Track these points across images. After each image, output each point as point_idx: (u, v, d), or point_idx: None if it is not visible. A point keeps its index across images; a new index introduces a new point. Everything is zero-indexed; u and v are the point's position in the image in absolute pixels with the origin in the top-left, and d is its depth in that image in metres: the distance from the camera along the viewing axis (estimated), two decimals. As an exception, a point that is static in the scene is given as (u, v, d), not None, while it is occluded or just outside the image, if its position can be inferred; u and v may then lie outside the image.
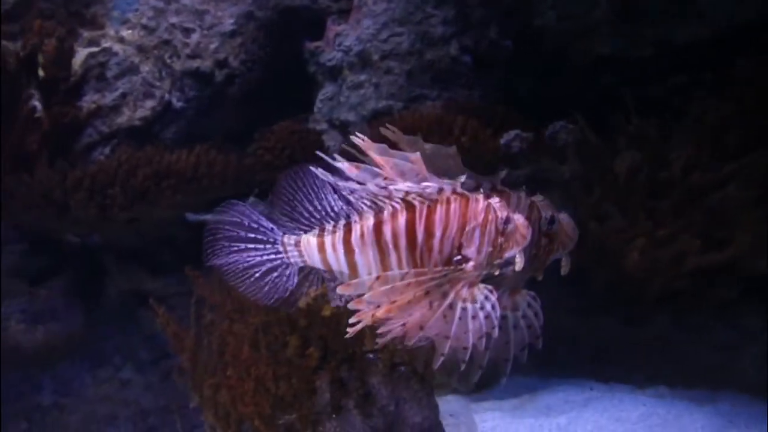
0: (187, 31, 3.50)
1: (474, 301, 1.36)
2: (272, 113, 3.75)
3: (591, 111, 3.71)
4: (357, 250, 1.44)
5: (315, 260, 1.48)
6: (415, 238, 1.40)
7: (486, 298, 1.37)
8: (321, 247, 1.46)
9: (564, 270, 1.45)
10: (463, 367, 1.37)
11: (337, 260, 1.46)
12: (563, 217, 1.42)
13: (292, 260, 1.51)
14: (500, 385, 3.42)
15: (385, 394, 2.06)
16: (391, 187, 1.36)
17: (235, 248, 1.55)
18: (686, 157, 3.49)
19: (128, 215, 2.71)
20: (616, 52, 4.06)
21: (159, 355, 3.13)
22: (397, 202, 1.39)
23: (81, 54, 3.53)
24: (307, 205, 1.50)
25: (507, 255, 1.41)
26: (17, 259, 3.21)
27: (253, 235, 1.54)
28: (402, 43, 3.42)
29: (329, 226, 1.47)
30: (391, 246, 1.41)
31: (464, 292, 1.37)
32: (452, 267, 1.37)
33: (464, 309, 1.36)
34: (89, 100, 3.44)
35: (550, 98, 4.02)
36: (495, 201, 1.42)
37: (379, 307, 1.33)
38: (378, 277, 1.37)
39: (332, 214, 1.48)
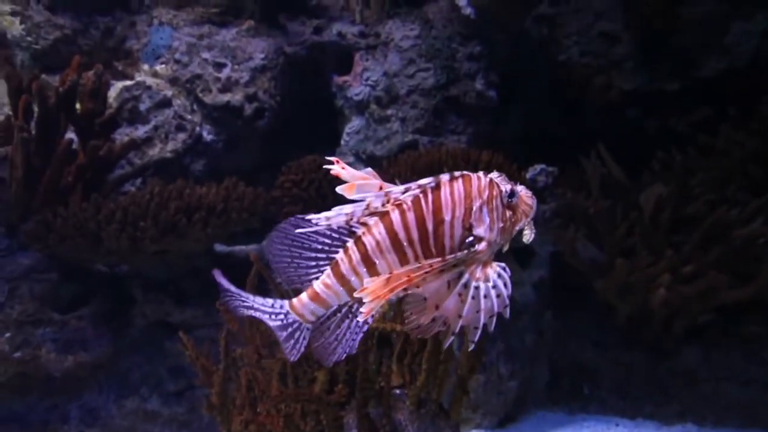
0: (219, 66, 3.59)
1: (487, 280, 1.35)
2: (300, 146, 3.82)
3: (616, 145, 3.73)
4: (377, 261, 1.38)
5: (341, 298, 1.44)
6: (425, 228, 1.36)
7: (499, 276, 1.35)
8: (342, 281, 1.41)
9: (527, 238, 1.41)
10: (472, 346, 1.36)
11: (362, 283, 1.39)
12: (520, 189, 1.40)
13: (310, 317, 1.47)
14: (525, 420, 3.40)
15: (411, 431, 2.06)
16: (389, 191, 1.33)
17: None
18: (712, 192, 3.49)
19: (158, 247, 2.77)
20: (640, 86, 4.08)
21: (185, 386, 3.15)
22: (399, 200, 1.35)
23: (116, 87, 3.64)
24: (306, 253, 1.46)
25: (517, 228, 1.40)
26: (49, 287, 3.27)
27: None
28: (428, 79, 3.48)
29: (338, 256, 1.41)
30: (405, 243, 1.37)
31: (478, 272, 1.35)
32: (466, 252, 1.34)
33: (477, 288, 1.34)
34: (123, 133, 3.53)
35: (576, 132, 4.04)
36: (495, 176, 1.40)
37: (393, 290, 1.31)
38: (391, 275, 1.33)
39: (335, 246, 1.44)
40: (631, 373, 3.60)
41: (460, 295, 1.34)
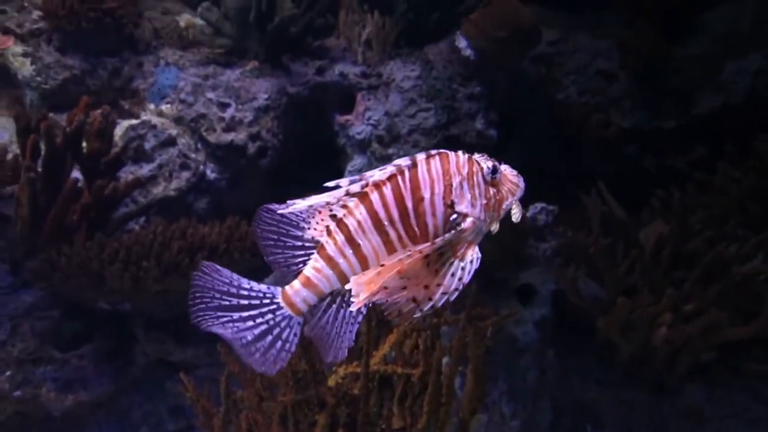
0: (223, 106, 3.66)
1: (462, 260, 1.34)
2: (303, 184, 3.85)
3: (614, 182, 3.76)
4: (361, 242, 1.36)
5: (332, 282, 1.40)
6: (405, 206, 1.35)
7: (471, 261, 1.34)
8: (330, 263, 1.38)
9: (516, 216, 1.42)
10: (417, 314, 1.34)
11: (350, 265, 1.38)
12: (505, 167, 1.40)
13: (302, 307, 1.42)
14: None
15: (412, 474, 2.05)
16: (366, 175, 1.34)
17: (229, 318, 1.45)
18: (711, 228, 3.51)
19: (161, 287, 2.78)
20: (637, 124, 4.14)
21: (185, 426, 3.14)
22: (377, 181, 1.34)
23: (122, 126, 3.70)
24: (291, 239, 1.42)
25: (504, 207, 1.39)
26: (50, 325, 3.28)
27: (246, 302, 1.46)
28: (429, 118, 3.53)
29: (323, 239, 1.39)
30: (386, 223, 1.35)
31: (461, 251, 1.35)
32: (453, 232, 1.33)
33: (451, 264, 1.33)
34: (128, 171, 3.57)
35: (574, 170, 4.09)
36: (478, 156, 1.40)
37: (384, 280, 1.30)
38: (382, 266, 1.31)
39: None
40: (634, 412, 3.57)
41: (432, 267, 1.33)
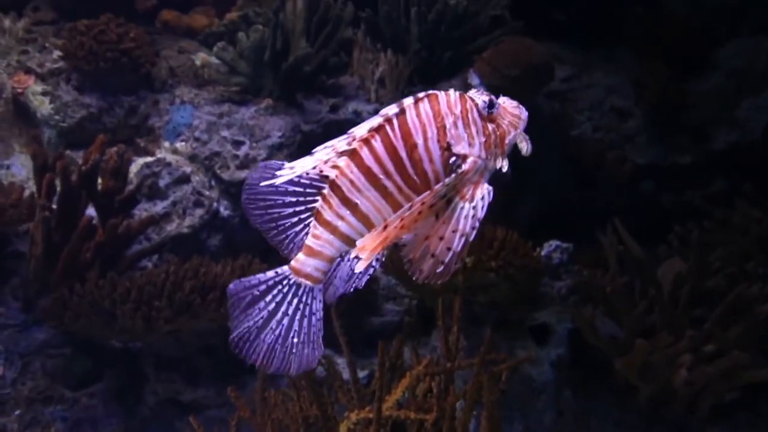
0: (237, 144, 3.68)
1: (471, 201, 1.27)
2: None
3: (631, 219, 3.72)
4: (358, 201, 1.29)
5: (336, 246, 1.32)
6: (399, 156, 1.27)
7: (482, 197, 1.27)
8: (329, 228, 1.31)
9: (525, 150, 1.35)
10: (441, 269, 1.26)
11: (351, 226, 1.31)
12: (503, 100, 1.32)
13: (316, 275, 1.36)
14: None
15: None
16: (353, 132, 1.27)
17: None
18: (731, 267, 3.44)
19: (172, 327, 2.77)
20: (653, 160, 4.11)
21: (195, 468, 3.09)
22: (364, 136, 1.27)
23: (137, 163, 3.73)
24: (284, 208, 1.36)
25: (508, 141, 1.32)
26: (61, 363, 3.26)
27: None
28: (442, 156, 3.52)
29: (318, 204, 1.32)
30: (382, 176, 1.27)
31: (468, 194, 1.27)
32: (453, 176, 1.26)
33: (462, 208, 1.26)
34: (142, 208, 3.59)
35: (590, 206, 4.05)
36: (473, 92, 1.32)
37: (388, 238, 1.23)
38: (386, 225, 1.24)
39: (311, 194, 1.34)
40: (655, 456, 3.47)
41: (442, 216, 1.26)
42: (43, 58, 4.13)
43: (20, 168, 3.96)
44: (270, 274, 1.39)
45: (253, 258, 3.25)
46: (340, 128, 3.84)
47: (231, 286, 1.40)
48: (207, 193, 3.67)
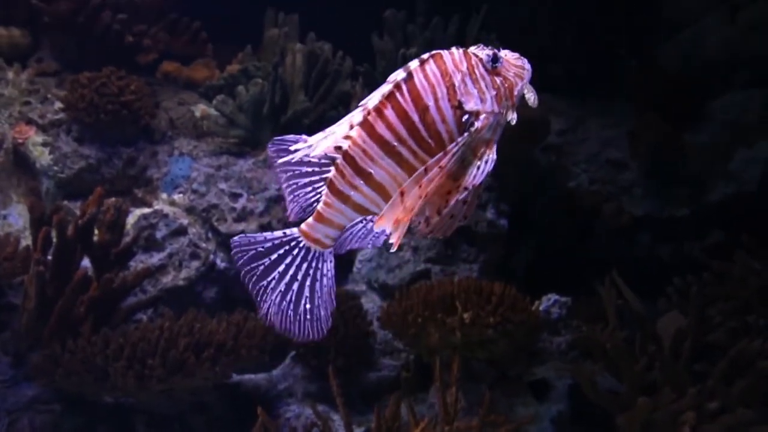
0: (235, 196, 3.69)
1: (480, 158, 1.27)
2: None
3: (629, 271, 3.70)
4: (372, 170, 1.29)
5: (347, 215, 1.33)
6: (411, 121, 1.26)
7: (486, 161, 1.28)
8: (341, 197, 1.32)
9: (533, 101, 1.33)
10: (443, 224, 1.28)
11: (365, 196, 1.31)
12: (505, 53, 1.30)
13: (326, 241, 1.36)
14: None
15: None
16: (364, 102, 1.28)
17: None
18: (732, 320, 3.41)
19: (165, 386, 2.72)
20: (650, 212, 4.12)
21: None
22: (376, 105, 1.27)
23: (135, 214, 3.73)
24: (302, 178, 1.38)
25: (516, 93, 1.29)
26: (50, 419, 3.18)
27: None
28: (439, 209, 3.53)
29: (331, 174, 1.32)
30: (396, 143, 1.27)
31: (480, 149, 1.28)
32: (467, 134, 1.25)
33: (474, 166, 1.27)
34: (138, 260, 3.57)
35: (588, 258, 4.04)
36: (472, 47, 1.31)
37: (411, 207, 1.22)
38: (402, 192, 1.24)
39: (325, 165, 1.35)
40: None
41: (458, 179, 1.26)
42: (45, 110, 4.17)
43: (17, 218, 3.95)
44: (278, 233, 1.40)
45: (249, 312, 3.21)
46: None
47: (235, 238, 1.43)
48: (203, 245, 3.65)
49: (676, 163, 4.16)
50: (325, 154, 1.33)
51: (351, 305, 3.26)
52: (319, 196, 1.37)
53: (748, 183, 4.13)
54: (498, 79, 1.29)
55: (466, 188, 1.26)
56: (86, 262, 3.23)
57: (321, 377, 3.16)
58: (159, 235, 3.64)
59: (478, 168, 1.27)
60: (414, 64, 1.28)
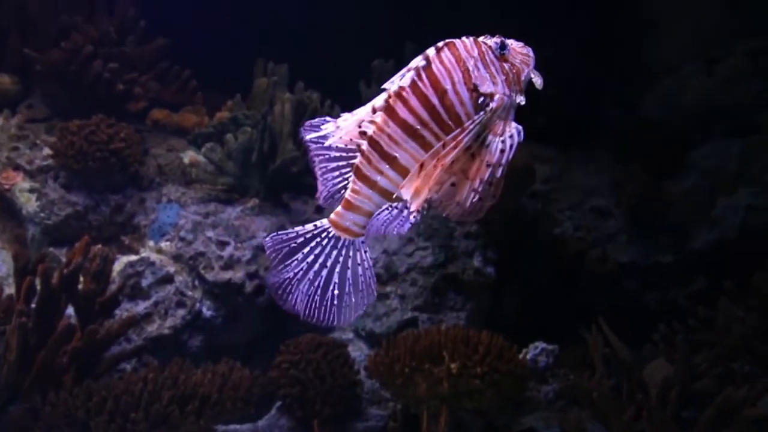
0: (222, 244, 3.69)
1: (501, 135, 1.33)
2: (300, 320, 3.81)
3: (616, 317, 3.72)
4: (397, 154, 1.35)
5: (375, 201, 1.37)
6: (431, 104, 1.34)
7: (511, 135, 1.33)
8: (368, 183, 1.37)
9: (539, 84, 1.40)
10: (477, 201, 1.32)
11: (391, 180, 1.36)
12: (511, 41, 1.39)
13: (355, 229, 1.40)
14: None
15: None
16: (386, 88, 1.35)
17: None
18: (718, 367, 3.42)
19: (149, 439, 2.67)
20: (635, 259, 4.17)
21: None
22: (397, 91, 1.35)
23: (121, 262, 3.71)
24: (330, 163, 1.42)
25: (523, 78, 1.38)
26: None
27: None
28: (426, 257, 3.56)
29: (357, 160, 1.38)
30: (419, 126, 1.34)
31: (499, 129, 1.34)
32: (482, 113, 1.33)
33: (495, 142, 1.33)
34: (124, 308, 3.53)
35: (575, 305, 4.06)
36: (481, 37, 1.39)
37: (430, 177, 1.29)
38: (421, 165, 1.31)
39: (351, 151, 1.41)
40: None
41: (476, 155, 1.33)
42: (33, 155, 4.18)
43: (1, 264, 3.92)
44: (309, 227, 1.43)
45: (235, 362, 3.18)
46: (325, 228, 3.89)
47: (267, 238, 1.46)
48: (190, 293, 3.64)
49: (659, 211, 4.23)
50: (351, 140, 1.39)
51: (338, 353, 3.24)
52: (346, 182, 1.42)
53: (729, 230, 4.20)
54: (506, 65, 1.39)
55: (491, 165, 1.34)
56: (70, 310, 3.20)
57: (307, 428, 3.12)
58: (145, 283, 3.62)
59: (503, 143, 1.34)
60: (431, 51, 1.37)
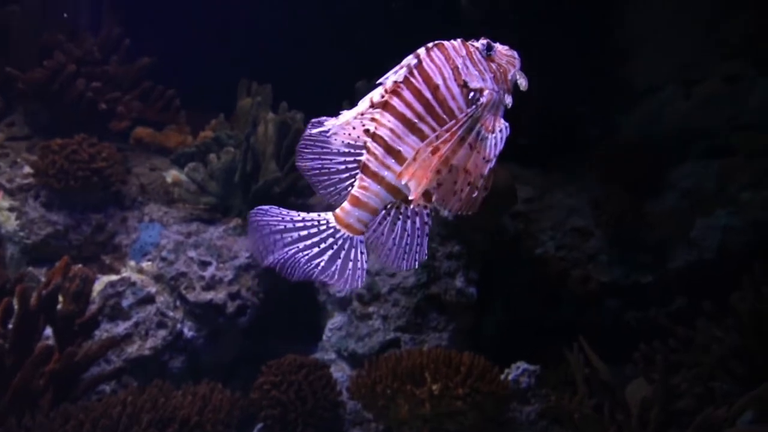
0: (204, 264, 3.67)
1: (493, 131, 1.42)
2: (282, 339, 3.80)
3: (597, 336, 3.74)
4: (401, 148, 1.42)
5: (382, 197, 1.43)
6: (425, 98, 1.42)
7: (501, 130, 1.42)
8: (376, 178, 1.42)
9: (524, 85, 1.49)
10: (475, 194, 1.40)
11: (396, 173, 1.42)
12: (496, 44, 1.49)
13: (358, 226, 1.44)
14: None
15: None
16: (381, 83, 1.42)
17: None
18: (697, 386, 3.45)
19: (127, 464, 2.63)
20: (616, 278, 4.20)
21: None
22: (392, 87, 1.42)
23: (101, 282, 3.67)
24: (335, 158, 1.47)
25: (510, 77, 1.47)
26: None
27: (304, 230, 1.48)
28: (409, 277, 3.57)
29: (364, 157, 1.44)
30: (416, 120, 1.42)
31: (490, 124, 1.42)
32: (474, 107, 1.42)
33: (486, 138, 1.41)
34: (104, 329, 3.50)
35: (557, 324, 4.08)
36: (471, 42, 1.49)
37: (427, 165, 1.36)
38: (417, 152, 1.38)
39: (358, 148, 1.47)
40: None
41: (473, 146, 1.41)
42: (14, 174, 4.14)
43: (-21, 284, 3.86)
44: (313, 215, 1.48)
45: (216, 383, 3.15)
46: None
47: (258, 208, 1.50)
48: (171, 314, 3.61)
49: (639, 231, 4.28)
50: (357, 138, 1.46)
51: (320, 375, 3.23)
52: (350, 180, 1.47)
53: (707, 250, 4.26)
54: (493, 65, 1.48)
55: (484, 159, 1.42)
56: (49, 331, 3.16)
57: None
58: (125, 303, 3.59)
59: (495, 138, 1.43)
60: (421, 51, 1.45)
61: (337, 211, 1.46)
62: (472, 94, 1.44)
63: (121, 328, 3.54)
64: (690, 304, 4.10)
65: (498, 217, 3.90)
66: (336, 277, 1.48)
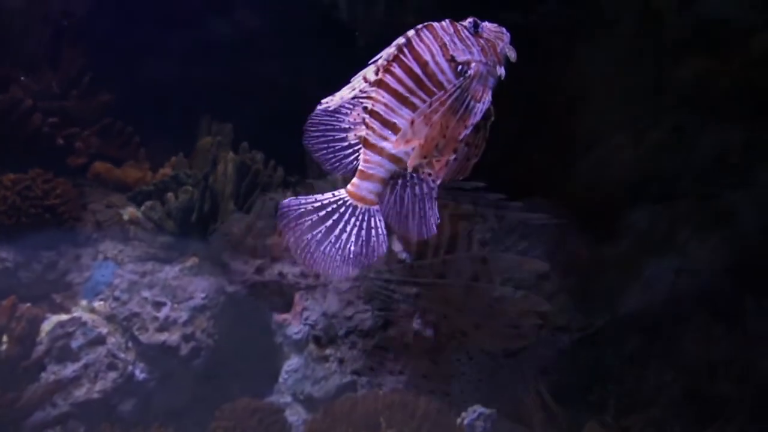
0: (158, 305, 3.61)
1: (481, 101, 1.53)
2: (237, 382, 3.73)
3: (554, 379, 3.78)
4: (396, 120, 1.53)
5: (385, 167, 1.54)
6: (416, 74, 1.54)
7: (483, 102, 1.53)
8: (376, 150, 1.54)
9: (513, 57, 1.59)
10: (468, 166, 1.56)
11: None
12: (485, 23, 1.60)
13: (370, 197, 1.56)
14: None
15: None
16: (374, 61, 1.54)
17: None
18: (651, 430, 3.51)
19: None
20: (570, 321, 4.26)
21: None
22: (384, 65, 1.55)
23: (51, 321, 3.56)
24: (337, 134, 1.60)
25: (499, 50, 1.58)
26: None
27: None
28: (366, 320, 3.56)
29: (363, 132, 1.57)
30: (408, 94, 1.53)
31: (479, 94, 1.54)
32: (462, 78, 1.53)
33: (474, 107, 1.53)
34: (50, 371, 3.39)
35: (516, 363, 4.10)
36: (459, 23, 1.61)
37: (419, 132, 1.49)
38: (412, 122, 1.49)
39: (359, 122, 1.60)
40: None
41: (463, 115, 1.52)
42: (-39, 208, 4.03)
43: None
44: (328, 195, 1.60)
45: (167, 428, 3.08)
46: (265, 289, 3.85)
47: (285, 201, 1.63)
48: (122, 355, 3.52)
49: (594, 272, 4.36)
50: (356, 116, 1.58)
51: (274, 419, 3.18)
52: (354, 155, 1.60)
53: (660, 292, 4.36)
54: (481, 41, 1.60)
55: (467, 126, 1.54)
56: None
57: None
58: (75, 344, 3.49)
59: (483, 105, 1.56)
60: (410, 32, 1.58)
61: (348, 187, 1.59)
62: (460, 67, 1.56)
63: (70, 370, 3.43)
64: (643, 346, 4.18)
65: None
66: (364, 249, 1.59)
